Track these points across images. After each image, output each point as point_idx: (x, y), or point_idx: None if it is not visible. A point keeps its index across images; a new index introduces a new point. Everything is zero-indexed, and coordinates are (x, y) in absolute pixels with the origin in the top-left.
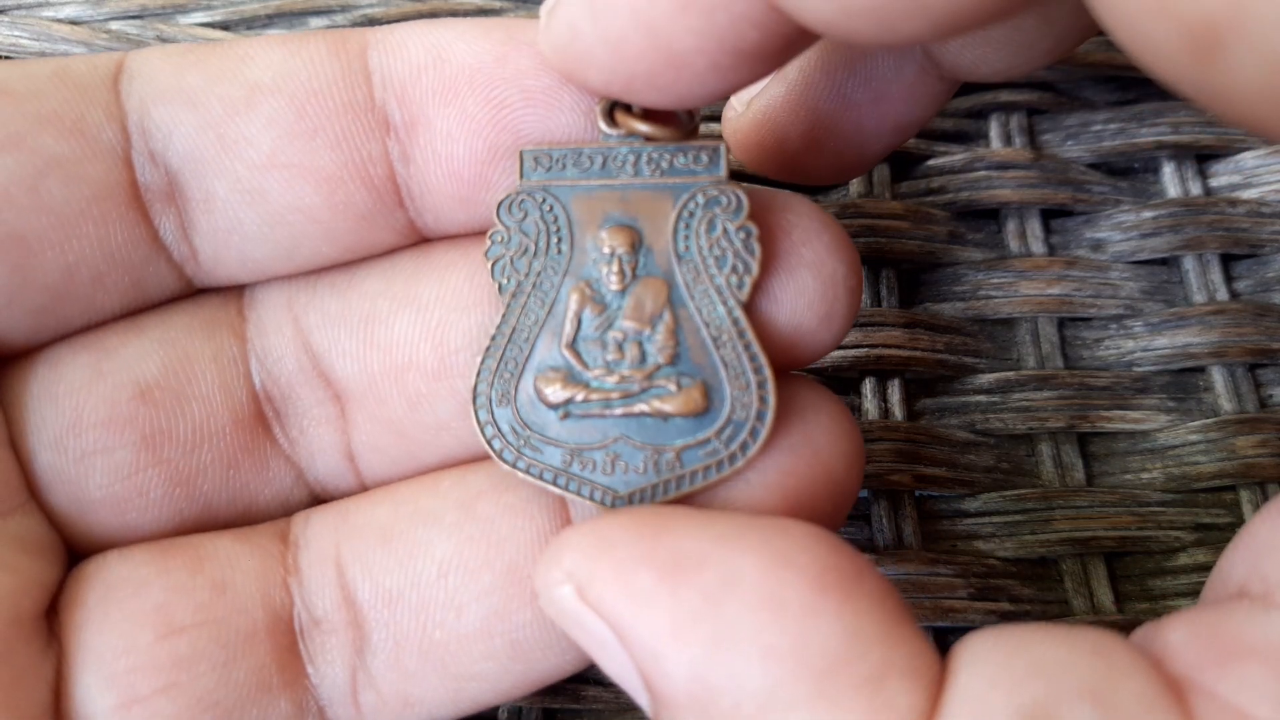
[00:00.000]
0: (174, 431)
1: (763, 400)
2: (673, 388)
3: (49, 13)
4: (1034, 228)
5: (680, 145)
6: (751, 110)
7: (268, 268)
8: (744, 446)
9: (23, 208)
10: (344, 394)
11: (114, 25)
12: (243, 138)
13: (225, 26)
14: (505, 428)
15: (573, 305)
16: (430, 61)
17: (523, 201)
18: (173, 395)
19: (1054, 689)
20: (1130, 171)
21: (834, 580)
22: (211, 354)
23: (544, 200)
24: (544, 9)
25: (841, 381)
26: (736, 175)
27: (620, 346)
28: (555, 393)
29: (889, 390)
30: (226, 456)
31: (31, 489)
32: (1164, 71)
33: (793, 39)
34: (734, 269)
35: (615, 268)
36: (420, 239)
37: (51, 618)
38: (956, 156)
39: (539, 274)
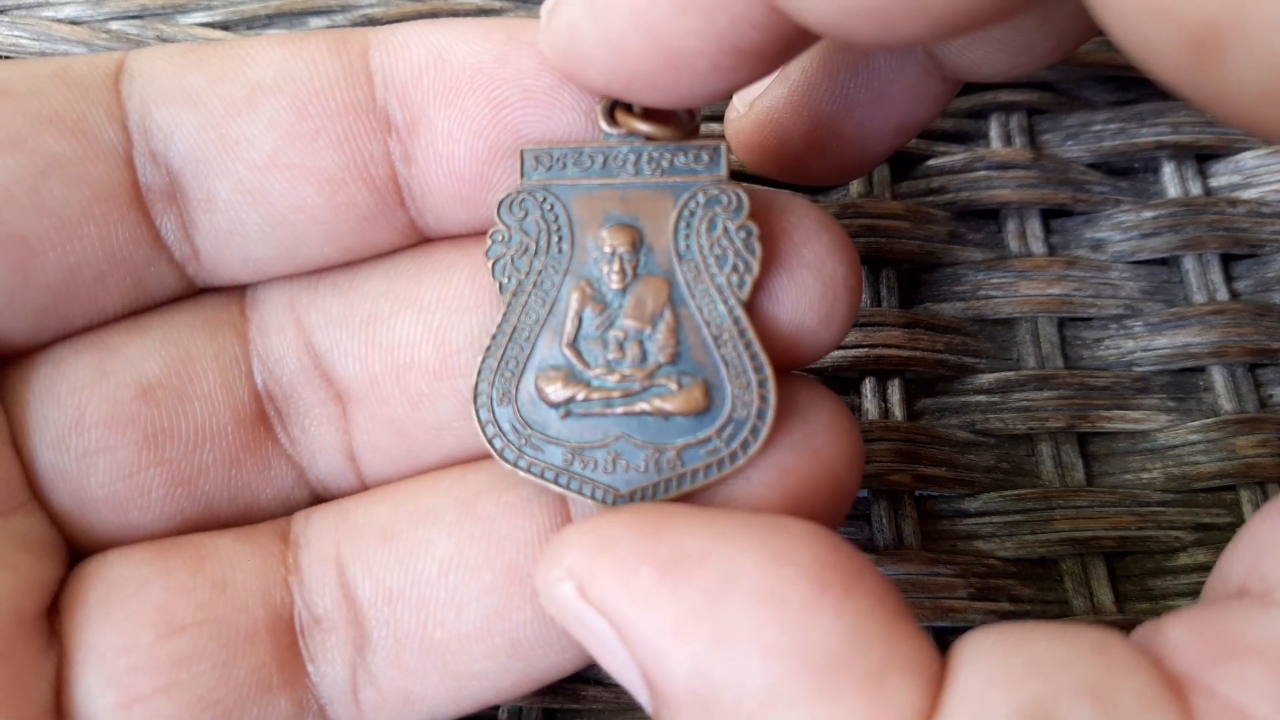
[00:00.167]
0: (176, 431)
1: (763, 399)
2: (674, 386)
3: (49, 13)
4: (1034, 228)
5: (681, 145)
6: (754, 111)
7: (269, 268)
8: (745, 445)
9: (24, 208)
10: (346, 394)
11: (114, 25)
12: (244, 138)
13: (225, 26)
14: (506, 427)
15: (573, 304)
16: (431, 62)
17: (523, 200)
18: (175, 394)
19: (1054, 686)
20: (1130, 171)
21: (834, 578)
22: (214, 353)
23: (545, 199)
24: (544, 9)
25: (841, 381)
26: (737, 175)
27: (621, 345)
28: (556, 391)
29: (889, 390)
30: (228, 456)
31: (33, 488)
32: (1164, 73)
33: (793, 39)
34: (734, 268)
35: (616, 266)
36: (421, 239)
37: (52, 617)
38: (956, 156)
39: (540, 273)
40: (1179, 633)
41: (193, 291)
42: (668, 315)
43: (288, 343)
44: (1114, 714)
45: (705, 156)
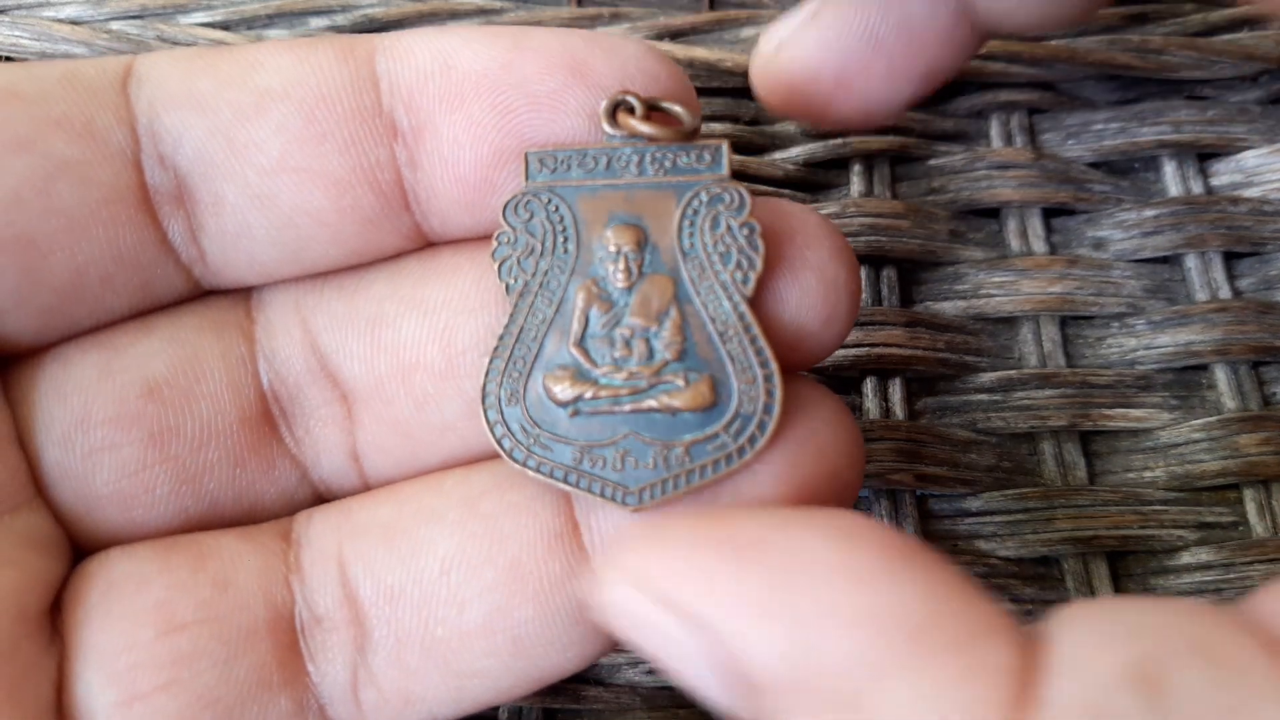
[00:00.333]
0: (181, 429)
1: (769, 393)
2: (680, 383)
3: (49, 13)
4: (1035, 226)
5: (683, 145)
6: (783, 52)
7: (276, 270)
8: (752, 440)
9: (33, 210)
10: (351, 395)
11: (114, 25)
12: (252, 143)
13: (225, 26)
14: (515, 426)
15: (580, 303)
16: (437, 68)
17: (529, 202)
18: (181, 393)
19: (1162, 646)
20: (1131, 171)
21: (900, 552)
22: (220, 353)
23: (550, 200)
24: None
25: (842, 381)
26: (737, 176)
27: (628, 343)
28: (564, 390)
29: (890, 389)
30: (233, 455)
31: (38, 485)
32: None
33: None
34: (738, 265)
35: (621, 265)
36: (426, 243)
37: (55, 614)
38: (957, 156)
39: (546, 273)
40: (1277, 603)
41: (199, 293)
42: (673, 312)
43: (293, 344)
44: (1226, 669)
45: (707, 156)
